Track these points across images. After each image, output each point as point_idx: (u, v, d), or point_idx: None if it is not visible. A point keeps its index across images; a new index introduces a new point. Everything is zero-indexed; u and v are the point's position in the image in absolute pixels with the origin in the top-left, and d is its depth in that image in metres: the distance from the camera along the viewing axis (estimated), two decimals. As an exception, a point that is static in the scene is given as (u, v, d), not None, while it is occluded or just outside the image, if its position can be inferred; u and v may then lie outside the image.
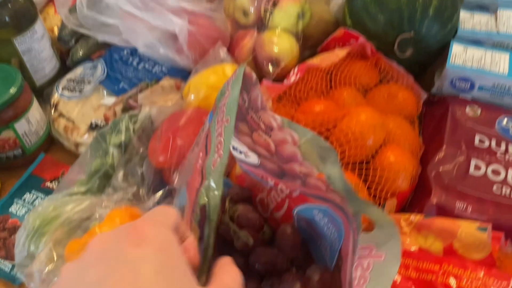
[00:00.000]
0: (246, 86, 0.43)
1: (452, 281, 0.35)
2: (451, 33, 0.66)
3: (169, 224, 0.29)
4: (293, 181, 0.44)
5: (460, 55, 0.64)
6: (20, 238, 0.51)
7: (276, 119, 0.41)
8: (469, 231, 0.39)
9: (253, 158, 0.46)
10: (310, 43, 0.70)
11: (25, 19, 0.66)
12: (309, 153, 0.39)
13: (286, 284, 0.41)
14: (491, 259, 0.37)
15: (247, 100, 0.43)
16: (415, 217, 0.43)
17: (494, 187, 0.52)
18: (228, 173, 0.59)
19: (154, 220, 0.29)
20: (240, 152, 0.47)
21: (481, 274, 0.35)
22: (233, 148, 0.48)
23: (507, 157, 0.55)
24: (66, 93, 0.69)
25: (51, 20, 0.79)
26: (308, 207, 0.47)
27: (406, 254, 0.39)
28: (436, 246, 0.41)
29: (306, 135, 0.39)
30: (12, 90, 0.60)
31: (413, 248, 0.40)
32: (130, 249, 0.26)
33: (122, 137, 0.57)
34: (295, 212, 0.49)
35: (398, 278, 0.38)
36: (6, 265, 0.54)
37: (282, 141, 0.41)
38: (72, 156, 0.64)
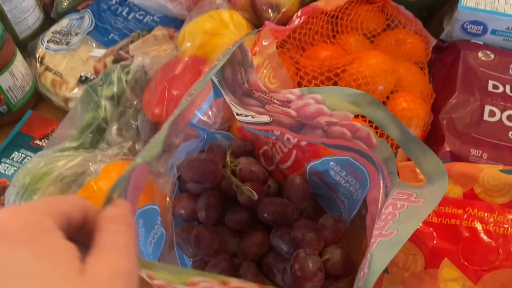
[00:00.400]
0: (243, 64, 0.40)
1: (478, 225, 0.33)
2: (462, -27, 0.62)
3: (49, 211, 0.23)
4: (313, 133, 0.41)
5: (472, -3, 0.60)
6: (10, 196, 0.48)
7: (294, 93, 0.38)
8: (493, 173, 0.36)
9: (263, 118, 0.43)
10: (312, -12, 0.66)
11: (2, -35, 0.61)
12: (337, 105, 0.36)
13: (298, 231, 0.39)
14: (516, 202, 0.35)
15: (245, 81, 0.40)
16: (431, 163, 0.41)
17: (510, 133, 0.50)
18: (228, 127, 0.56)
19: (22, 208, 0.23)
20: (246, 116, 0.44)
21: (510, 216, 0.33)
22: (237, 114, 0.45)
23: (522, 102, 0.53)
24: (52, 45, 0.64)
25: (32, -31, 0.74)
26: (324, 160, 0.44)
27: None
28: (455, 191, 0.38)
29: (329, 92, 0.36)
30: (-7, 41, 0.55)
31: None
32: None
33: (114, 89, 0.53)
34: (308, 167, 0.46)
35: (418, 224, 0.35)
36: (-4, 227, 0.51)
37: (303, 106, 0.38)
38: (61, 112, 0.60)
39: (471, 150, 0.49)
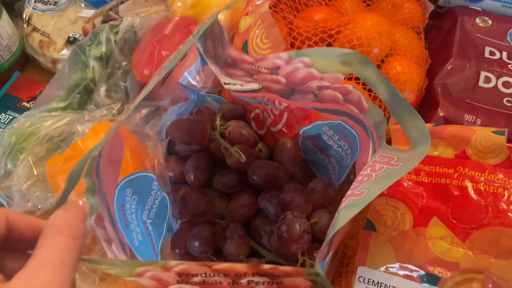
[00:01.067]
0: (221, 39, 0.39)
1: (469, 184, 0.32)
2: None
3: None
4: (304, 98, 0.40)
5: (472, -39, 0.58)
6: (-4, 156, 0.47)
7: (281, 57, 0.37)
8: (485, 134, 0.36)
9: (252, 85, 0.42)
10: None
11: None
12: (327, 66, 0.35)
13: (287, 194, 0.38)
14: (509, 163, 0.35)
15: (227, 57, 0.40)
16: (424, 126, 0.40)
17: (505, 100, 0.49)
18: (219, 91, 0.55)
19: None
20: (234, 84, 0.43)
21: (500, 176, 0.32)
22: (225, 83, 0.44)
23: (519, 69, 0.52)
24: (39, 5, 0.62)
25: None
26: (317, 124, 0.43)
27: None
28: (447, 154, 0.38)
29: (319, 54, 0.35)
30: (-24, -2, 0.53)
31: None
32: None
33: (103, 49, 0.51)
34: (301, 131, 0.45)
35: (408, 183, 0.35)
36: (-16, 188, 0.51)
37: (293, 71, 0.37)
38: (49, 74, 0.59)
39: (465, 115, 0.48)
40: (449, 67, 0.52)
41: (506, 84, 0.50)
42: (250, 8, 0.48)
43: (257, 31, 0.47)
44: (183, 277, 0.25)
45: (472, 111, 0.48)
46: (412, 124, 0.30)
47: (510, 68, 0.52)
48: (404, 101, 0.31)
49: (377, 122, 0.33)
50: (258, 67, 0.38)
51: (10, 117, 0.56)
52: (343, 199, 0.29)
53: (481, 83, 0.51)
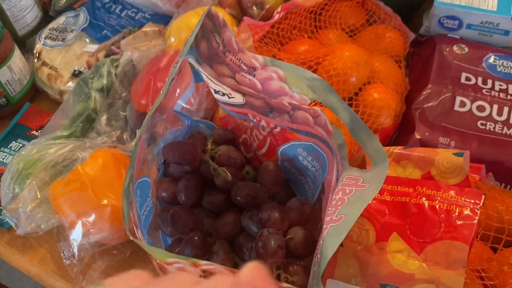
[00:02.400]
0: (216, 29, 0.42)
1: (425, 202, 0.35)
2: (440, -30, 0.64)
3: None
4: (281, 117, 0.43)
5: (449, -7, 0.62)
6: (5, 181, 0.51)
7: (258, 59, 0.40)
8: (446, 156, 0.39)
9: (238, 98, 0.46)
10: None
11: (2, -35, 0.64)
12: (297, 85, 0.38)
13: (264, 213, 0.41)
14: (467, 182, 0.37)
15: (220, 43, 0.42)
16: (395, 149, 0.43)
17: (479, 123, 0.52)
18: (211, 116, 0.59)
19: None
20: (223, 94, 0.47)
21: (452, 193, 0.35)
22: (215, 91, 0.47)
23: (492, 93, 0.55)
24: (48, 42, 0.68)
25: (32, -30, 0.77)
26: (293, 145, 0.47)
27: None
28: (414, 175, 0.41)
29: (291, 69, 0.38)
30: (-8, 37, 0.59)
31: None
32: None
33: (104, 81, 0.56)
34: (279, 152, 0.49)
35: (372, 202, 0.38)
36: (-6, 210, 0.55)
37: (267, 78, 0.40)
38: (57, 104, 0.64)
39: (440, 138, 0.51)
40: (427, 92, 0.55)
41: (480, 108, 0.53)
42: (236, 42, 0.52)
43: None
44: (207, 273, 0.30)
45: (447, 134, 0.51)
46: (370, 145, 0.34)
47: (484, 92, 0.55)
48: (362, 125, 0.34)
49: (340, 145, 0.37)
50: (239, 59, 0.41)
51: (20, 145, 0.61)
52: (324, 226, 0.32)
53: (456, 107, 0.54)
